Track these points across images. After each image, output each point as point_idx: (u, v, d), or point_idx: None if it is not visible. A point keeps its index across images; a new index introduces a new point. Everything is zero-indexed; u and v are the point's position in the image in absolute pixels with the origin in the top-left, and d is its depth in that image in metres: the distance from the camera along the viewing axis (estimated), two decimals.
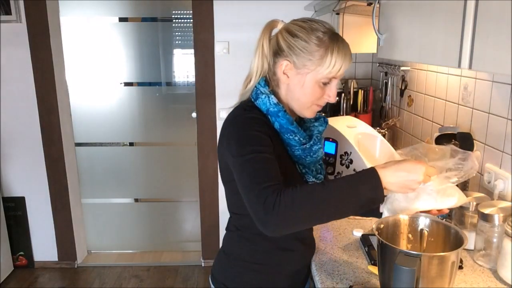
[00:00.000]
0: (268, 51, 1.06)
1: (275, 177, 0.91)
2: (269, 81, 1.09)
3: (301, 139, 1.06)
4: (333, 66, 1.00)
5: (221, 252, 1.20)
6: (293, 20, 1.06)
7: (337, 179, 0.91)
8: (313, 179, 1.12)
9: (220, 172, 1.10)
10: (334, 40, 1.01)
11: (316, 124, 1.15)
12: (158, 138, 3.13)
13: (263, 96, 1.05)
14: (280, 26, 1.07)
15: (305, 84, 1.03)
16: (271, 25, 1.07)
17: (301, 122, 1.16)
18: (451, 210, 1.37)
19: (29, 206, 2.91)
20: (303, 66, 1.01)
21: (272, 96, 1.05)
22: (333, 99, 1.06)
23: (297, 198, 0.85)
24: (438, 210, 1.00)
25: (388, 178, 0.88)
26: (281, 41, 1.04)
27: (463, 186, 1.42)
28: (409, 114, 2.09)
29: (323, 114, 1.18)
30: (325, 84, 1.03)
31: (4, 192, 2.88)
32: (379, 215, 1.11)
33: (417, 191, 0.93)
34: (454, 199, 0.97)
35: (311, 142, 1.08)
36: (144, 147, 3.14)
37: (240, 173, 0.94)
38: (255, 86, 1.07)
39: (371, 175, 0.88)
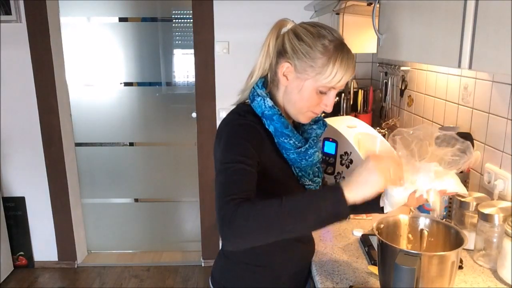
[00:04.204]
0: (273, 50, 1.05)
1: (244, 190, 0.89)
2: (268, 81, 1.08)
3: (296, 142, 1.05)
4: (334, 77, 0.98)
5: (221, 254, 1.19)
6: (302, 22, 1.05)
7: (300, 194, 0.88)
8: (310, 182, 1.10)
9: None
10: (339, 50, 0.99)
11: (314, 127, 1.13)
12: (158, 138, 3.13)
13: (258, 99, 1.04)
14: (289, 26, 1.06)
15: (303, 89, 1.01)
16: (280, 24, 1.06)
17: (299, 124, 1.14)
18: (451, 210, 1.38)
19: (29, 206, 2.91)
20: (304, 71, 1.00)
21: (268, 99, 1.04)
22: (329, 108, 1.04)
23: (252, 212, 0.84)
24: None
25: (352, 193, 0.84)
26: (286, 42, 1.02)
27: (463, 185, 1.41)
28: (409, 114, 2.09)
29: (323, 115, 1.17)
30: (322, 93, 1.02)
31: (4, 192, 2.88)
32: (379, 210, 1.08)
33: (416, 171, 0.90)
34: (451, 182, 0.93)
35: (307, 146, 1.06)
36: (144, 147, 3.14)
37: (216, 180, 0.93)
38: (253, 87, 1.06)
39: (334, 190, 0.85)
